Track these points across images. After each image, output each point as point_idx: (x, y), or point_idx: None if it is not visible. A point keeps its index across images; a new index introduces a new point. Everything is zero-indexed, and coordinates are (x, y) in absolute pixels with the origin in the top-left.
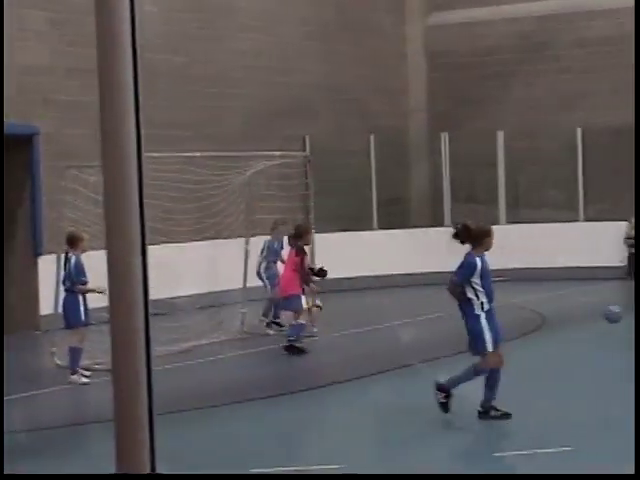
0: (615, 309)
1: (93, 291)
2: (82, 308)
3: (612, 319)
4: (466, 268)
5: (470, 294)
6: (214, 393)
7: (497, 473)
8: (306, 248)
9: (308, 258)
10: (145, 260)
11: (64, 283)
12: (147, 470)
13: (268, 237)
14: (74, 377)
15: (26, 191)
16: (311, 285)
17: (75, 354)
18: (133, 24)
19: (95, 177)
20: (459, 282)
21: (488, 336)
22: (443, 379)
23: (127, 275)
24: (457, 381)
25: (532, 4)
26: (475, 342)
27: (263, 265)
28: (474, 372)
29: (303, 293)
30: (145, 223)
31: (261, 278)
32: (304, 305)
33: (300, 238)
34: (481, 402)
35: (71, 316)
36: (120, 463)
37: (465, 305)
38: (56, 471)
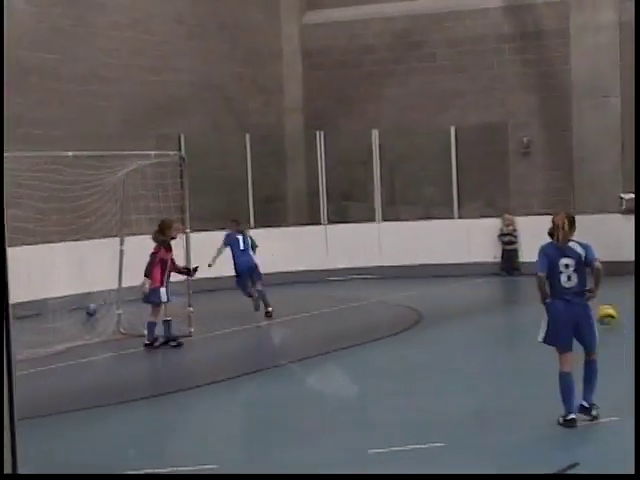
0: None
1: None
2: None
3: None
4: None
5: None
6: (87, 395)
7: (375, 473)
8: (179, 246)
9: (171, 253)
10: (4, 260)
11: None
12: (9, 470)
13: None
14: None
15: None
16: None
17: None
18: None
19: None
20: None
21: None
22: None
23: None
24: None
25: (407, 3)
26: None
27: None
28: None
29: (163, 287)
30: (4, 223)
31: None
32: (163, 299)
33: (162, 233)
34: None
35: None
36: None
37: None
38: None
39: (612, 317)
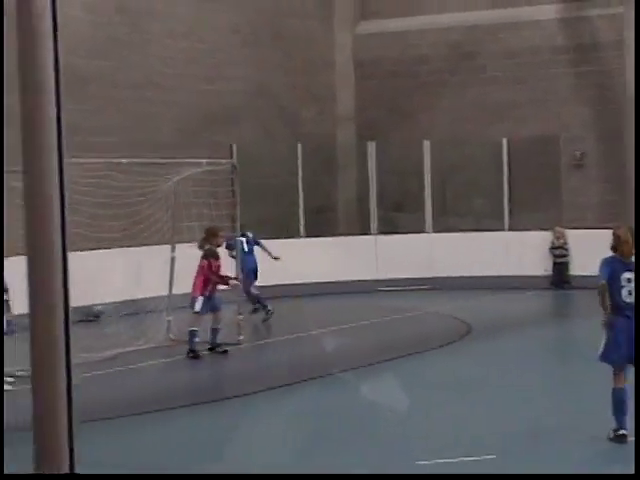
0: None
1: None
2: (4, 317)
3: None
4: None
5: None
6: (138, 401)
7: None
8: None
9: (217, 262)
10: (66, 266)
11: None
12: (66, 470)
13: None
14: None
15: None
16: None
17: None
18: (55, 30)
19: (20, 182)
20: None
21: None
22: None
23: (47, 281)
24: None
25: (462, 14)
26: None
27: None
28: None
29: (206, 296)
30: (67, 229)
31: None
32: (196, 308)
33: (208, 241)
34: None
35: None
36: (39, 464)
37: None
38: None
39: None
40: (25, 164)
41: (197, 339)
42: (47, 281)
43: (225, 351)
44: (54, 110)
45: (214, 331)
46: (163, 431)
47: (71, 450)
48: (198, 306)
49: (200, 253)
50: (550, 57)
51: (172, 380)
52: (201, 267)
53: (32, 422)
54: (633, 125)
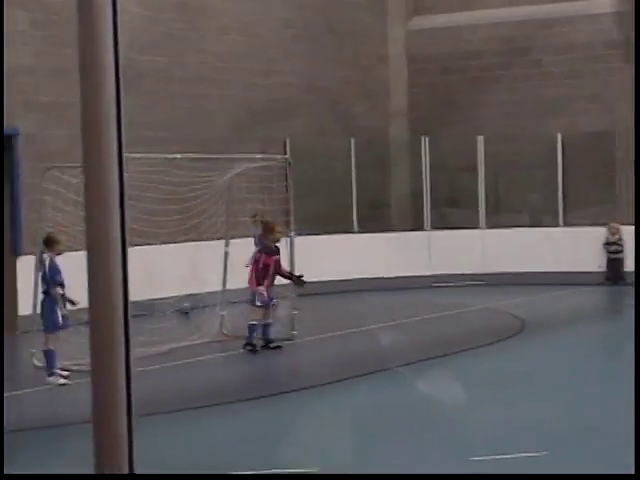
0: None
1: (67, 301)
2: (59, 311)
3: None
4: None
5: None
6: (192, 395)
7: (477, 474)
8: (285, 251)
9: (275, 256)
10: (125, 261)
11: (42, 285)
12: (125, 470)
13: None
14: (51, 378)
15: (6, 191)
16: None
17: (50, 357)
18: (115, 25)
19: (77, 178)
20: None
21: None
22: None
23: (107, 276)
24: None
25: (515, 9)
26: None
27: None
28: None
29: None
30: (126, 224)
31: None
32: (258, 302)
33: (264, 236)
34: None
35: (48, 320)
36: (98, 464)
37: None
38: (34, 472)
39: None
40: (85, 160)
41: (256, 333)
42: (107, 276)
43: (279, 346)
44: (114, 106)
45: (267, 326)
46: (219, 425)
47: (130, 450)
48: (259, 300)
49: (256, 248)
50: (605, 51)
51: (226, 374)
52: (255, 262)
53: (92, 420)
54: (634, 126)
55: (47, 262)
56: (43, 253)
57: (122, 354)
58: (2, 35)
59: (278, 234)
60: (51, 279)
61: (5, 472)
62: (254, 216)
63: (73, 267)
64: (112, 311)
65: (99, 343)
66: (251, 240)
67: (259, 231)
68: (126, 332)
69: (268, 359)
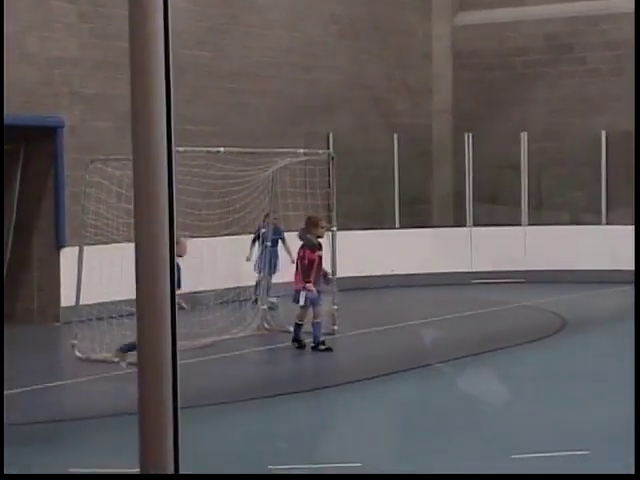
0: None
1: None
2: None
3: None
4: None
5: None
6: (234, 389)
7: (513, 473)
8: (327, 246)
9: (317, 252)
10: (173, 254)
11: None
12: (171, 470)
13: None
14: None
15: (49, 183)
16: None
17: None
18: (166, 19)
19: (120, 171)
20: None
21: None
22: None
23: (155, 268)
24: None
25: (560, 5)
26: None
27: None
28: None
29: (304, 289)
30: (174, 218)
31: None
32: (301, 302)
33: (308, 231)
34: None
35: None
36: (144, 465)
37: None
38: (73, 464)
39: None
40: (135, 153)
41: (303, 330)
42: (155, 269)
43: (329, 349)
44: (163, 98)
45: (316, 326)
46: (259, 420)
47: (176, 449)
48: (302, 299)
49: (300, 243)
50: None
51: (267, 369)
52: (300, 258)
53: (138, 418)
54: (634, 126)
55: None
56: None
57: (169, 346)
58: (2, 35)
59: (322, 229)
60: None
61: (48, 462)
62: (266, 216)
63: (116, 259)
64: (160, 303)
65: (146, 336)
66: (290, 235)
67: (270, 231)
68: (173, 325)
69: (309, 354)
